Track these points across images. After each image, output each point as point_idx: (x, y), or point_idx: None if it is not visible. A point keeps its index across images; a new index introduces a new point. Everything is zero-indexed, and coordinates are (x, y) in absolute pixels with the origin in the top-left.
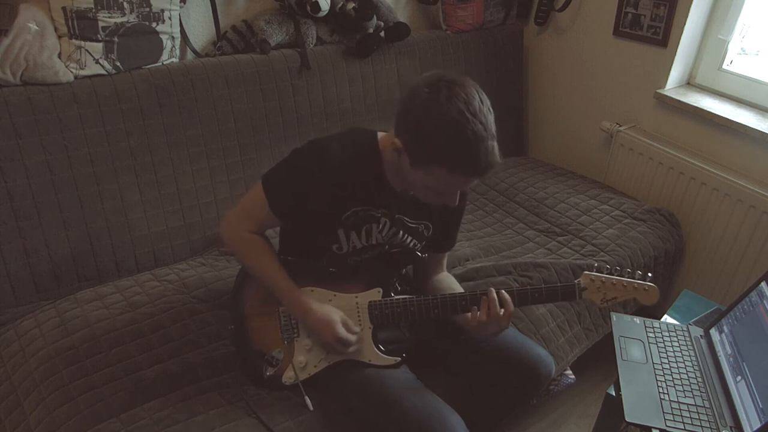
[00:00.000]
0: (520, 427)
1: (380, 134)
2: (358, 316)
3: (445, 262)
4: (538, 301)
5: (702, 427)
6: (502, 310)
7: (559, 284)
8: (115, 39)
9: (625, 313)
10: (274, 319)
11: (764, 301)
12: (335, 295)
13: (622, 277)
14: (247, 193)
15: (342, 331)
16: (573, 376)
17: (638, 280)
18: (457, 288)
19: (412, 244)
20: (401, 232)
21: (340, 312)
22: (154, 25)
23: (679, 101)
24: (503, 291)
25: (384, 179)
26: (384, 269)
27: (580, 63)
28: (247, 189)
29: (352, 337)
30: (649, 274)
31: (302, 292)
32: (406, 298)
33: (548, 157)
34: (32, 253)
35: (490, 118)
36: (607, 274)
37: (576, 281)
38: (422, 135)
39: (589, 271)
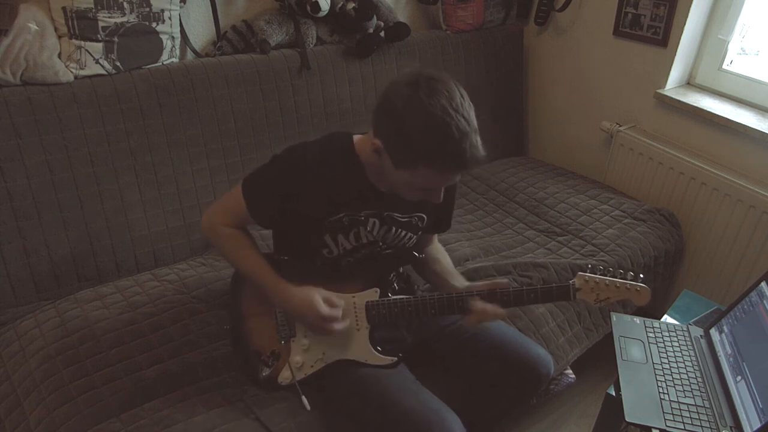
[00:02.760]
0: (520, 427)
1: (356, 137)
2: (356, 316)
3: (435, 237)
4: (534, 301)
5: (702, 427)
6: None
7: (554, 285)
8: (115, 39)
9: (625, 312)
10: (271, 319)
11: (764, 301)
12: None
13: (615, 278)
14: (226, 193)
15: (324, 308)
16: (573, 376)
17: (630, 281)
18: (443, 256)
19: (407, 237)
20: (393, 228)
21: (320, 289)
22: (154, 25)
23: (679, 101)
24: (487, 304)
25: (367, 181)
26: (381, 269)
27: (580, 63)
28: None
29: (336, 312)
30: (641, 275)
31: (282, 280)
32: (403, 298)
33: (548, 157)
34: (32, 253)
35: (472, 113)
36: (600, 275)
37: (570, 282)
38: (406, 135)
39: (583, 272)
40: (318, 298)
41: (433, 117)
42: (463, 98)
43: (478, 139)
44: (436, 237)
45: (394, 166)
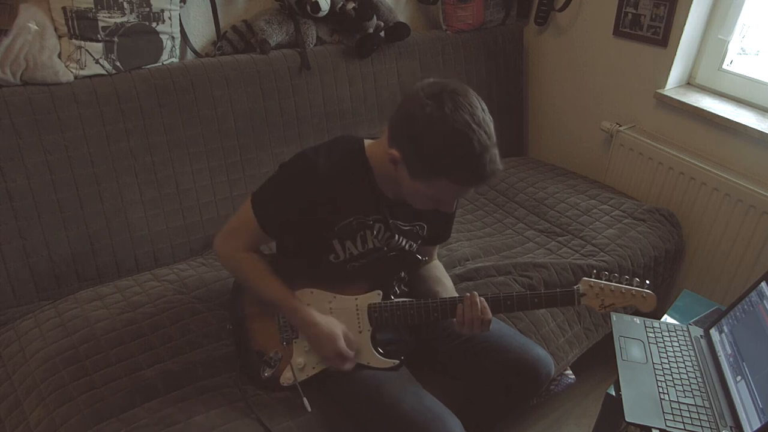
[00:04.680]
0: (520, 427)
1: (367, 142)
2: (358, 318)
3: (436, 251)
4: (538, 306)
5: (702, 427)
6: (482, 315)
7: (558, 290)
8: (115, 39)
9: (625, 313)
10: (273, 321)
11: (764, 301)
12: (335, 297)
13: (621, 283)
14: (236, 212)
15: (343, 346)
16: (573, 376)
17: (636, 287)
18: (445, 277)
19: (408, 246)
20: (397, 236)
21: (342, 326)
22: (154, 25)
23: (679, 101)
24: (480, 298)
25: (375, 187)
26: (384, 272)
27: (580, 63)
28: (247, 189)
29: (351, 353)
30: (647, 281)
31: (303, 304)
32: (405, 300)
33: (548, 157)
34: (32, 253)
35: (492, 126)
36: (605, 280)
37: (575, 287)
38: (427, 148)
39: (588, 276)
40: (340, 334)
41: (455, 132)
42: (485, 112)
43: (497, 152)
44: (436, 252)
45: (410, 177)
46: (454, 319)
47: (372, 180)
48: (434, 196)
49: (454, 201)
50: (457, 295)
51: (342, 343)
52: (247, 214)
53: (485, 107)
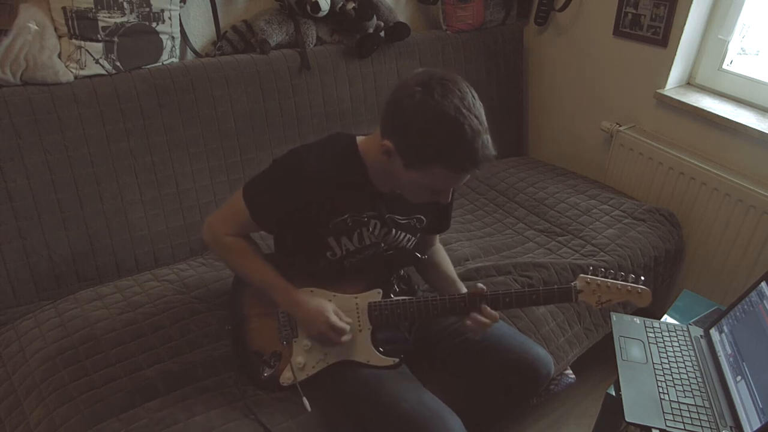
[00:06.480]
0: (520, 427)
1: (359, 138)
2: (358, 316)
3: (437, 238)
4: (536, 303)
5: (702, 427)
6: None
7: (555, 287)
8: (115, 39)
9: (626, 313)
10: (273, 320)
11: (764, 301)
12: (335, 296)
13: (616, 280)
14: (228, 200)
15: (335, 319)
16: (573, 376)
17: (632, 283)
18: (444, 260)
19: (406, 239)
20: (394, 230)
21: (331, 303)
22: (154, 25)
23: (679, 101)
24: (485, 307)
25: (369, 183)
26: (383, 270)
27: (580, 63)
28: None
29: (345, 325)
30: (642, 278)
31: (292, 286)
32: (405, 299)
33: (548, 157)
34: (32, 253)
35: (482, 111)
36: (602, 277)
37: (572, 284)
38: (419, 135)
39: (585, 273)
40: (329, 308)
41: (446, 117)
42: (474, 98)
43: (489, 138)
44: (437, 238)
45: (404, 167)
46: (468, 322)
47: (366, 176)
48: (430, 186)
49: (450, 190)
50: (452, 275)
51: (332, 316)
52: (238, 205)
53: (475, 94)
